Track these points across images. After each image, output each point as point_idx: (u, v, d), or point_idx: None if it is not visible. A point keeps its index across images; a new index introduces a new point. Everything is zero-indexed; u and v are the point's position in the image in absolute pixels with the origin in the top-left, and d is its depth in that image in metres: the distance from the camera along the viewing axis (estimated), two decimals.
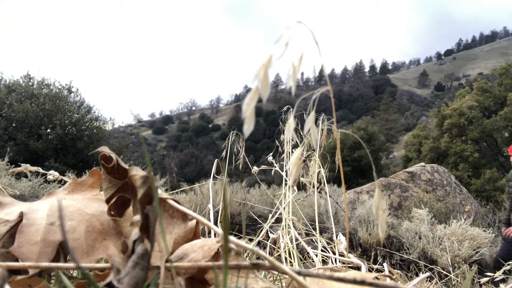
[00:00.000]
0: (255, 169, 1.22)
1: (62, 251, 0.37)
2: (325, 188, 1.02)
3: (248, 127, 0.31)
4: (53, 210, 0.40)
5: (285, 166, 1.04)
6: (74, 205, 0.42)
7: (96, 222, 0.40)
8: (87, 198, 0.46)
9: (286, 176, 1.01)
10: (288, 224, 0.84)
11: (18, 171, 0.61)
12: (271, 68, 0.31)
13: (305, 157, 1.00)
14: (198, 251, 0.35)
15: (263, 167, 1.24)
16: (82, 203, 0.43)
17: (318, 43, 0.37)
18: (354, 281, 0.28)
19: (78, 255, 0.36)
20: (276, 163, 1.21)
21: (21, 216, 0.39)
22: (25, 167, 0.61)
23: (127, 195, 0.41)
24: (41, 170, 0.63)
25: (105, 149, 0.42)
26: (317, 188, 0.95)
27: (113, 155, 0.41)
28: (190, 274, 0.33)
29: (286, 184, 0.97)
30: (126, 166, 0.41)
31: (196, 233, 0.41)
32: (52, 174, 0.51)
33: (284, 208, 0.89)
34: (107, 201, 0.41)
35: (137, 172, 0.40)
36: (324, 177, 0.95)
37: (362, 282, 0.28)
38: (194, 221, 0.41)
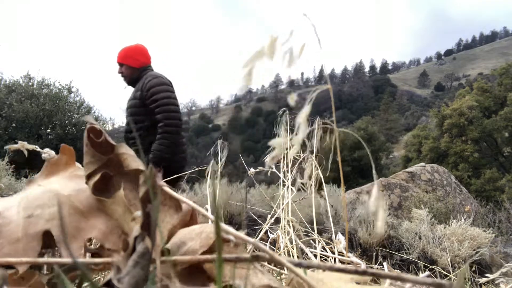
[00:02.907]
0: (251, 171, 1.21)
1: (48, 240, 0.36)
2: (323, 189, 1.02)
3: (245, 84, 0.30)
4: (30, 200, 0.39)
5: (282, 167, 1.04)
6: (51, 189, 0.40)
7: (76, 202, 0.39)
8: (64, 178, 0.44)
9: (284, 177, 1.01)
10: (287, 225, 0.84)
11: (14, 149, 0.61)
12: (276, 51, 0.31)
13: (302, 158, 1.00)
14: (196, 239, 0.34)
15: (259, 168, 1.23)
16: (58, 185, 0.42)
17: (320, 39, 0.37)
18: (355, 272, 0.27)
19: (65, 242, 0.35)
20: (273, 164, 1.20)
21: None
22: (22, 145, 0.60)
23: (110, 171, 0.40)
24: (38, 149, 0.62)
25: (91, 119, 0.40)
26: (315, 188, 0.95)
27: (102, 129, 0.40)
28: (188, 263, 0.33)
29: (284, 185, 0.97)
30: (112, 142, 0.40)
31: (193, 216, 0.40)
32: (48, 153, 0.50)
33: (282, 209, 0.89)
34: (88, 177, 0.39)
35: (127, 151, 0.39)
36: (322, 177, 0.95)
37: (364, 272, 0.27)
38: (190, 203, 0.40)
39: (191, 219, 0.40)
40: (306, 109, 0.32)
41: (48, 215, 0.37)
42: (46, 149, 0.56)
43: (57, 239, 0.35)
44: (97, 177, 0.39)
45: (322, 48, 0.37)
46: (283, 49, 0.31)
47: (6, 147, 0.60)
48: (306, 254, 0.76)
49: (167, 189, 0.39)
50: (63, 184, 0.42)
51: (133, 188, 0.39)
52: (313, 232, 0.86)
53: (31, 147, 0.62)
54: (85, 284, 0.39)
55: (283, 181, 0.99)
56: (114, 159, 0.40)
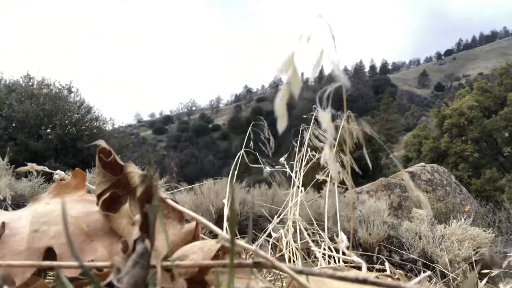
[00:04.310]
0: (267, 169, 1.21)
1: (49, 257, 0.36)
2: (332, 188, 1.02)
3: (281, 123, 0.30)
4: (37, 216, 0.39)
5: (295, 167, 1.04)
6: (59, 209, 0.41)
7: (82, 224, 0.39)
8: (72, 200, 0.45)
9: (295, 177, 1.01)
10: (293, 224, 0.83)
11: (24, 171, 0.60)
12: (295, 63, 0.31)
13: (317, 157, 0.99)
14: (198, 253, 0.35)
15: (277, 167, 1.22)
16: (67, 206, 0.43)
17: (335, 38, 0.37)
18: (356, 280, 0.27)
19: (66, 260, 0.35)
20: (287, 164, 1.19)
21: (3, 227, 0.38)
22: (31, 166, 0.60)
23: (119, 191, 0.41)
24: (47, 169, 0.61)
25: (102, 143, 0.41)
26: (337, 185, 0.94)
27: (111, 150, 0.41)
28: (190, 275, 0.33)
29: (293, 185, 0.96)
30: (122, 162, 0.41)
31: (195, 235, 0.40)
32: (58, 174, 0.50)
33: (290, 208, 0.88)
34: (99, 196, 0.40)
35: (134, 169, 0.40)
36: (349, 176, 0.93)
37: (364, 281, 0.27)
38: (193, 223, 0.41)
39: (193, 238, 0.40)
40: (328, 111, 0.31)
41: (53, 232, 0.38)
42: (58, 171, 0.57)
43: (59, 256, 0.35)
44: (106, 195, 0.40)
45: (337, 51, 0.37)
46: (302, 59, 0.32)
47: (18, 169, 0.59)
48: (309, 252, 0.76)
49: (171, 201, 0.39)
50: (71, 206, 0.43)
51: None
52: (319, 232, 0.86)
53: (39, 168, 0.61)
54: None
55: (294, 182, 0.99)
56: (123, 179, 0.41)
